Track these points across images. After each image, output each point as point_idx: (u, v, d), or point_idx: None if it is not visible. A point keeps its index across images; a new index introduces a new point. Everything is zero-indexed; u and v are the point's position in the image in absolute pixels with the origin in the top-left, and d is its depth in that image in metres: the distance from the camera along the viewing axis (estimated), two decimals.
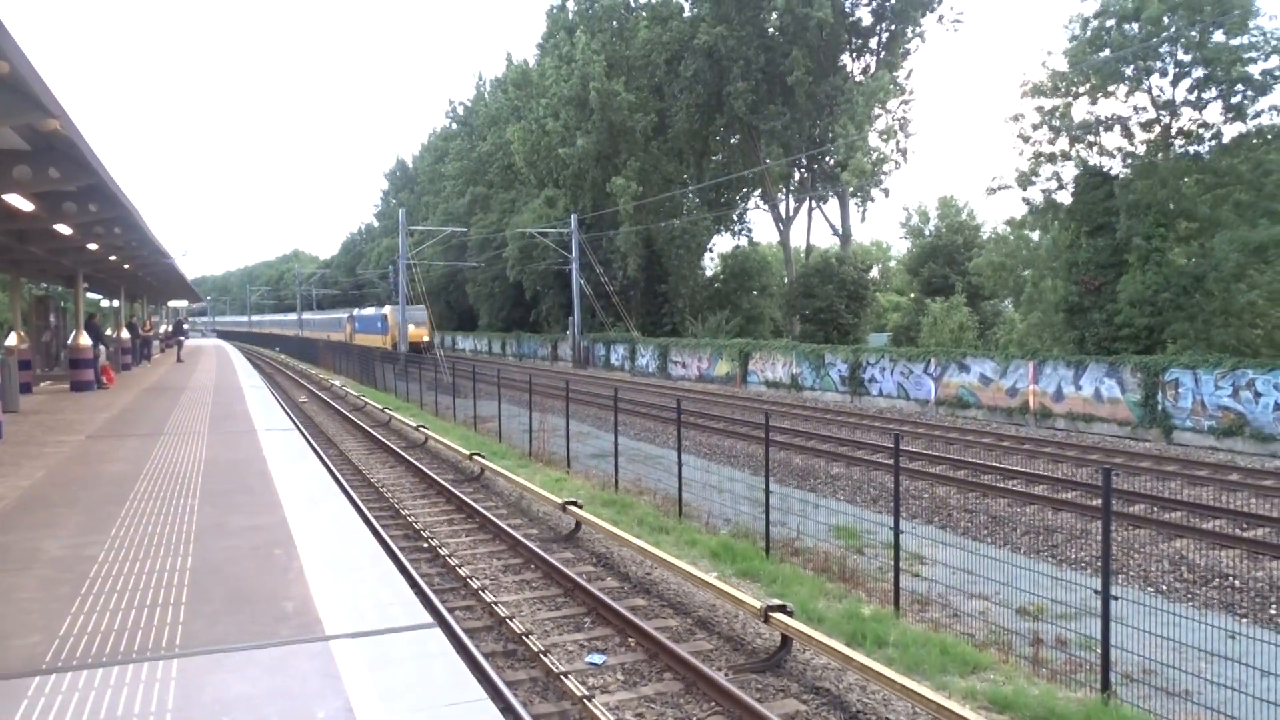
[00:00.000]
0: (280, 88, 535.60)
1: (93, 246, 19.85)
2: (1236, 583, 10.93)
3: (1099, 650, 7.48)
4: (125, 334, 32.99)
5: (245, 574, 6.63)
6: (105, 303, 42.85)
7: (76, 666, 4.92)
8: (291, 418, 22.50)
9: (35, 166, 11.57)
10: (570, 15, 56.77)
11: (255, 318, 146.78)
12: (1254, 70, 30.77)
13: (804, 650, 8.19)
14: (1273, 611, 10.07)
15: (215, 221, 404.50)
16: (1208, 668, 7.71)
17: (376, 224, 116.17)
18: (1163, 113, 33.58)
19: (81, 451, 12.70)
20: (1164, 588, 10.98)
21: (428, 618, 5.85)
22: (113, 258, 23.26)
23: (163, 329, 52.89)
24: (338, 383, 41.71)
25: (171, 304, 61.11)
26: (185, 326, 51.28)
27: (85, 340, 22.86)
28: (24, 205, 12.95)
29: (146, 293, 43.78)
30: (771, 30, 45.85)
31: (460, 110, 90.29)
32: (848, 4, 46.12)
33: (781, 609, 8.16)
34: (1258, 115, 31.39)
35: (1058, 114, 36.37)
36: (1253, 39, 30.90)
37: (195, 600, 6.04)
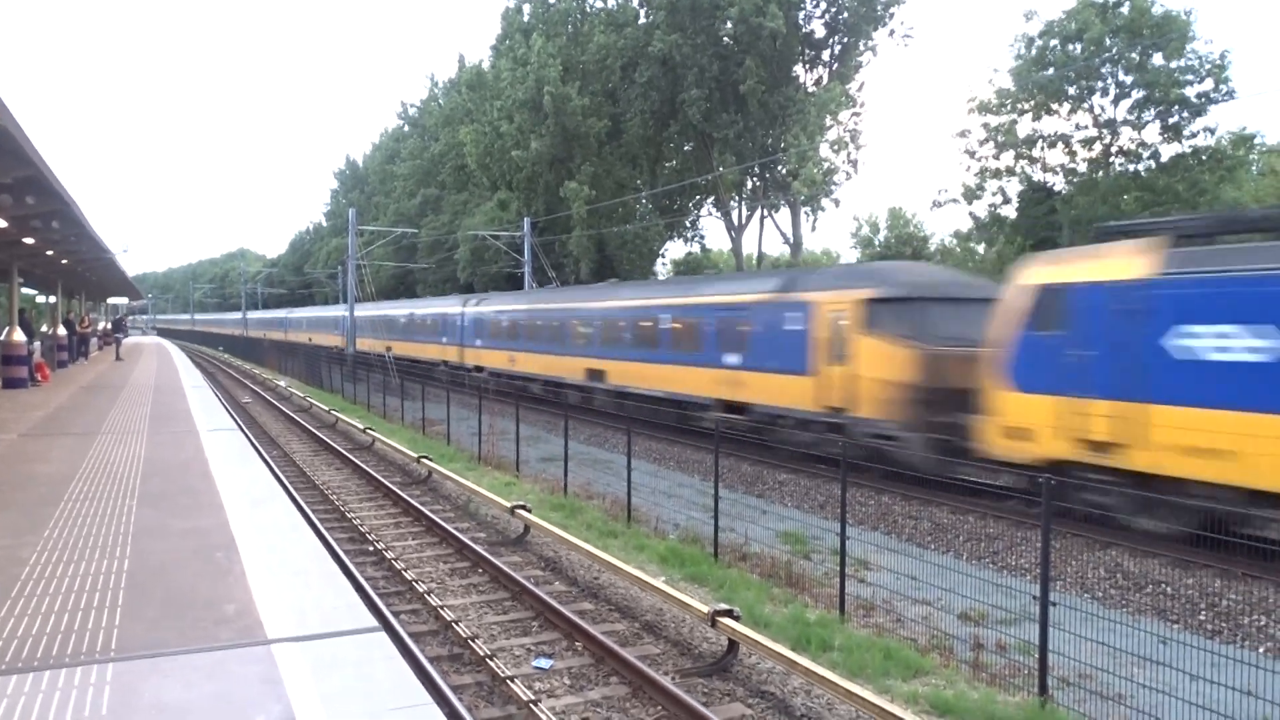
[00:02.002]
0: (229, 82, 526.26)
1: (29, 240, 19.31)
2: (1168, 589, 11.23)
3: (1037, 655, 7.64)
4: (61, 330, 32.10)
5: (185, 577, 6.50)
6: (41, 298, 41.65)
7: (5, 671, 4.78)
8: (235, 418, 22.08)
9: None
10: (525, 18, 56.58)
11: (205, 315, 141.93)
12: (1190, 93, 31.76)
13: (750, 654, 8.25)
14: (1202, 618, 10.36)
15: (158, 217, 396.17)
16: (1140, 672, 7.91)
17: (325, 223, 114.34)
18: (1104, 131, 34.52)
19: (13, 450, 12.32)
20: (1100, 594, 11.24)
21: (372, 621, 5.79)
22: (50, 252, 22.65)
23: (102, 326, 51.54)
24: (283, 383, 41.02)
25: (111, 301, 59.59)
26: (125, 324, 49.99)
27: (19, 336, 22.20)
28: None
29: (85, 289, 42.63)
30: (726, 39, 46.16)
31: (412, 111, 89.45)
32: (801, 16, 46.63)
33: (728, 613, 8.20)
34: (1193, 136, 32.39)
35: (1003, 130, 37.19)
36: (1189, 62, 31.90)
37: (132, 603, 5.90)
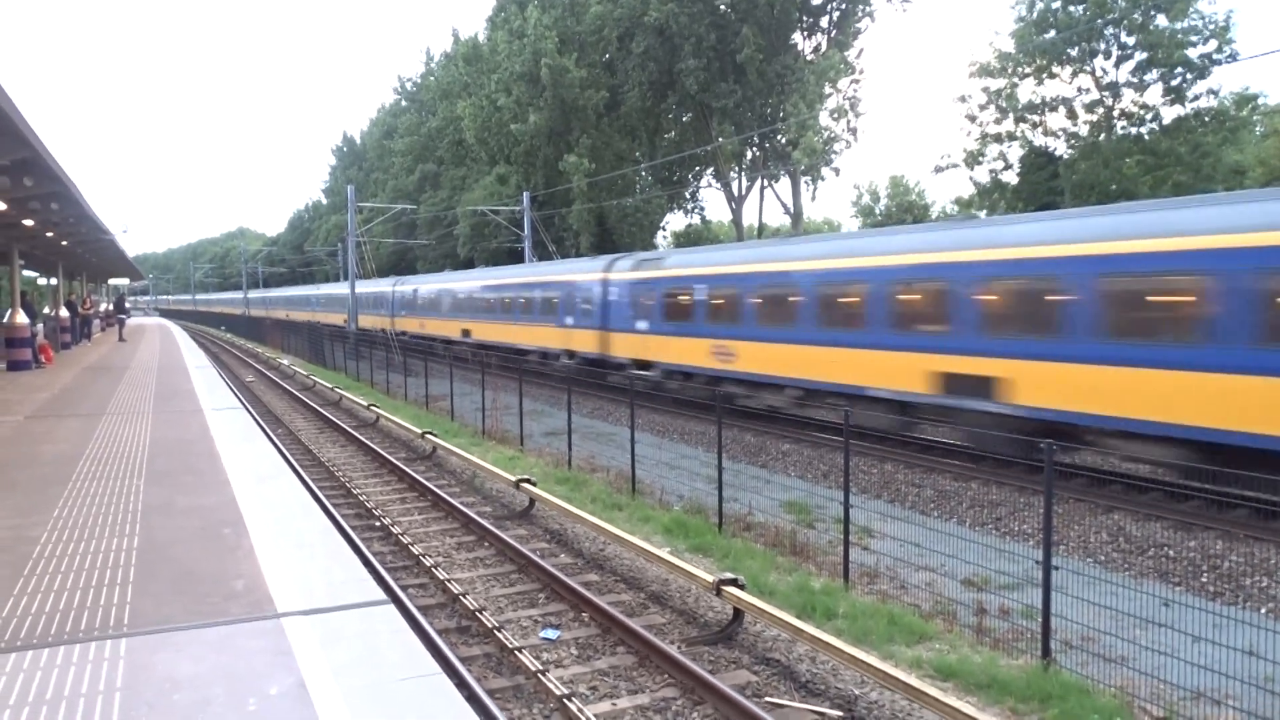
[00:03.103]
0: (225, 61, 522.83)
1: (28, 222, 19.27)
2: (1171, 552, 11.30)
3: (1040, 619, 7.70)
4: (64, 312, 32.14)
5: (193, 553, 6.56)
6: (42, 280, 41.64)
7: (20, 647, 4.84)
8: (239, 397, 22.14)
9: None
10: None
11: (219, 295, 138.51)
12: (1193, 54, 31.41)
13: (755, 623, 8.32)
14: (1204, 579, 10.43)
15: (157, 197, 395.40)
16: (1143, 634, 7.98)
17: (324, 201, 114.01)
18: (1106, 94, 34.23)
19: (19, 432, 12.38)
20: (1103, 558, 11.31)
21: (381, 594, 5.84)
22: (50, 234, 22.62)
23: (104, 307, 51.56)
24: (286, 361, 41.09)
25: (112, 282, 59.57)
26: (127, 305, 50.05)
27: (22, 319, 22.23)
28: None
29: (85, 270, 42.60)
30: (722, 7, 45.77)
31: (409, 86, 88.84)
32: None
33: (733, 582, 8.26)
34: (1196, 98, 32.07)
35: (1004, 95, 36.87)
36: (1193, 22, 31.53)
37: (142, 580, 5.96)
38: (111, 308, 49.02)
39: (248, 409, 19.57)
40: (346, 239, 51.40)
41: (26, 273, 35.94)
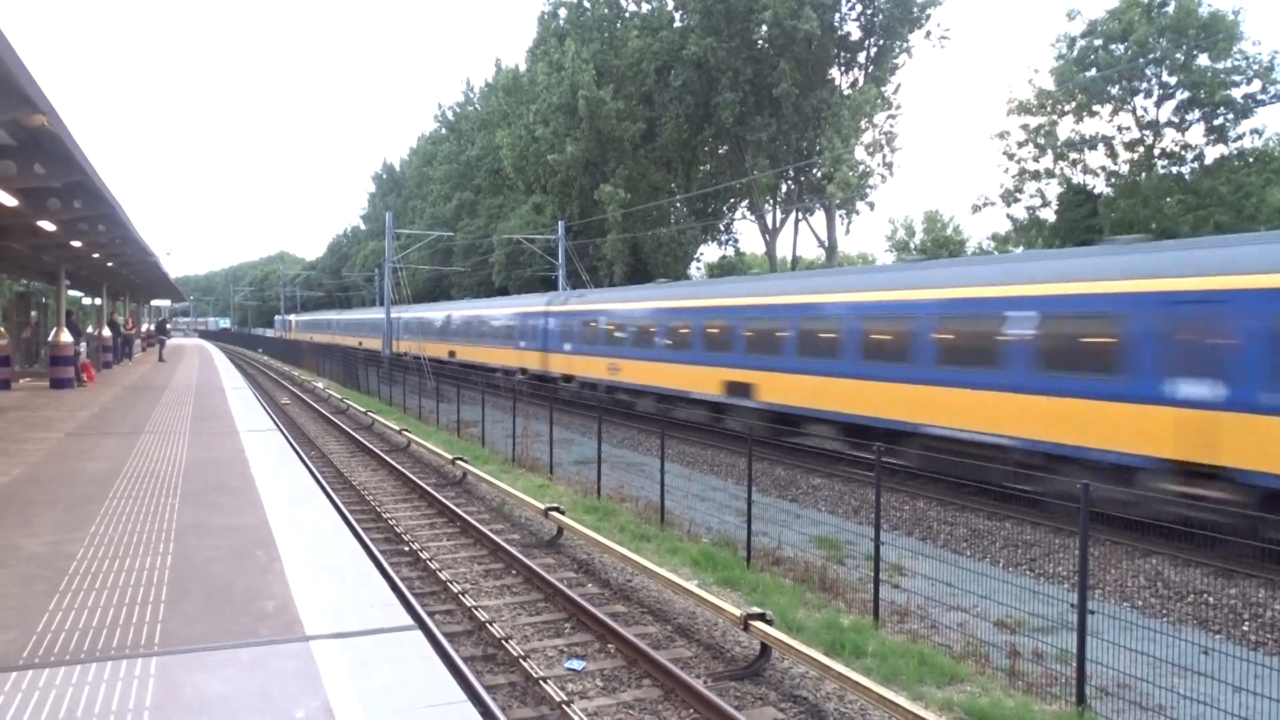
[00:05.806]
0: (269, 88, 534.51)
1: (76, 244, 19.75)
2: (1210, 599, 11.04)
3: (1075, 664, 7.55)
4: (106, 332, 32.78)
5: (225, 573, 6.62)
6: (87, 300, 42.55)
7: (54, 663, 4.90)
8: (274, 419, 22.41)
9: (20, 162, 11.55)
10: (561, 22, 56.88)
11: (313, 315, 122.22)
12: (1236, 94, 31.11)
13: (783, 659, 8.22)
14: (1245, 628, 10.17)
15: (200, 221, 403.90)
16: (1181, 683, 7.79)
17: (363, 226, 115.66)
18: (1146, 133, 33.94)
19: (60, 449, 12.61)
20: (1140, 603, 11.08)
21: (408, 620, 5.86)
22: (96, 255, 23.14)
23: (145, 328, 52.56)
24: (320, 384, 41.55)
25: (154, 303, 60.71)
26: (168, 326, 50.97)
27: (66, 337, 22.70)
28: (7, 200, 12.88)
29: (129, 291, 43.50)
30: (760, 43, 46.07)
31: (449, 114, 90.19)
32: (836, 19, 46.40)
33: (761, 617, 8.18)
34: (1239, 138, 31.73)
35: (1042, 132, 36.71)
36: (1236, 63, 31.27)
37: (175, 599, 6.02)
38: (153, 329, 49.98)
39: (282, 431, 19.79)
40: (384, 264, 52.02)
41: (72, 292, 36.76)
